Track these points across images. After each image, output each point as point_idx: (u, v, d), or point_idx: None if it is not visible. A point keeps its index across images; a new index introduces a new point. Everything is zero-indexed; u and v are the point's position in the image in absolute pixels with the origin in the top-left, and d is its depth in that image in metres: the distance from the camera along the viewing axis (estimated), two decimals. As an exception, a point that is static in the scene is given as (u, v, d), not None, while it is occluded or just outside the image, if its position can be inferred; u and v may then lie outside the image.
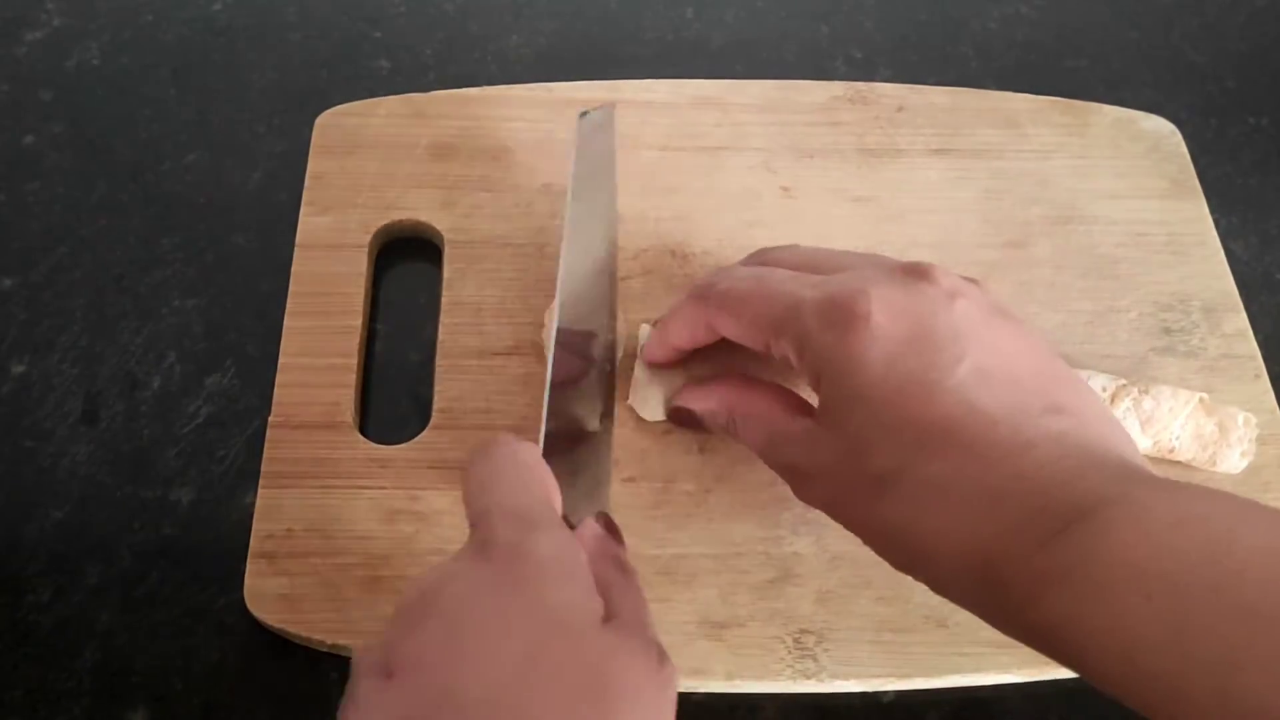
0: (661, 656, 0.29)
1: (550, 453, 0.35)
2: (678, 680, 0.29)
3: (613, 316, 0.43)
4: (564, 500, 0.34)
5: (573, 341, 0.40)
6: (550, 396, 0.37)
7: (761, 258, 0.42)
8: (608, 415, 0.41)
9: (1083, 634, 0.28)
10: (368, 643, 0.29)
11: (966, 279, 0.36)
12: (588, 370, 0.41)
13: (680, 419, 0.42)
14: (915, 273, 0.35)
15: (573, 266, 0.41)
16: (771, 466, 0.38)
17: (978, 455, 0.31)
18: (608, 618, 0.29)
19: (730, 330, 0.39)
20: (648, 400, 0.43)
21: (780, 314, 0.36)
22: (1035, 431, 0.31)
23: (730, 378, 0.41)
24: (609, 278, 0.43)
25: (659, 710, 0.28)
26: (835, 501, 0.35)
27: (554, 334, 0.39)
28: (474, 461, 0.33)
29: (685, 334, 0.41)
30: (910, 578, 0.33)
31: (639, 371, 0.44)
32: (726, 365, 0.42)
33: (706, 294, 0.39)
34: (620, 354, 0.44)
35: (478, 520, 0.31)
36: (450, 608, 0.28)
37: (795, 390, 0.40)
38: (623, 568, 0.32)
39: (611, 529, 0.35)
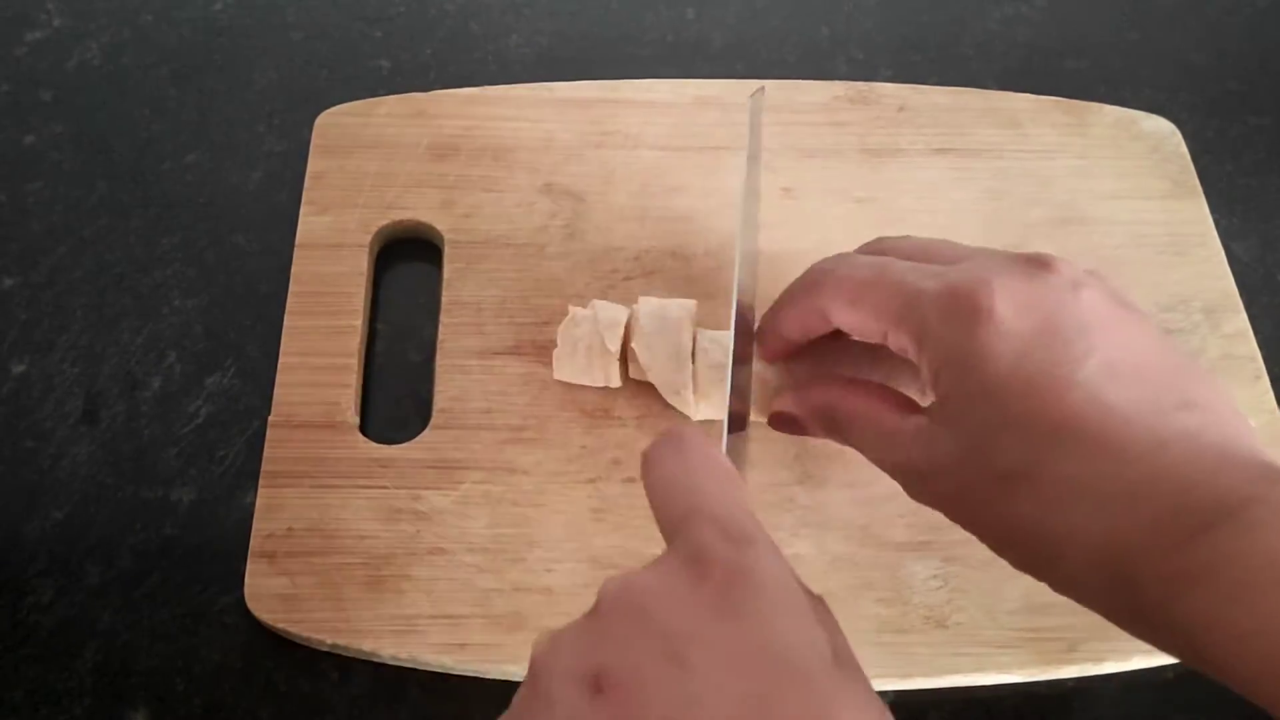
0: (884, 708, 0.26)
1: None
2: None
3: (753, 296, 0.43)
4: None
5: (742, 324, 0.39)
6: (731, 379, 0.37)
7: (878, 247, 0.40)
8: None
9: (1225, 635, 0.28)
10: (548, 641, 0.26)
11: (1087, 270, 0.35)
12: (748, 354, 0.40)
13: (780, 423, 0.41)
14: (1037, 263, 0.34)
15: (746, 248, 0.40)
16: (881, 466, 0.37)
17: (1111, 453, 0.31)
18: (838, 661, 0.26)
19: (846, 319, 0.37)
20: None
21: (900, 305, 0.35)
22: (1168, 429, 0.31)
23: (831, 378, 0.40)
24: (755, 259, 0.43)
25: None
26: (954, 500, 0.34)
27: (733, 316, 0.38)
28: (661, 457, 0.29)
29: (797, 324, 0.39)
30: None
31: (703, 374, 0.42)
32: (820, 368, 0.41)
33: (822, 281, 0.38)
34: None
35: (680, 527, 0.28)
36: (668, 627, 0.25)
37: (900, 390, 0.39)
38: (811, 592, 0.28)
39: None
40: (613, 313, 0.43)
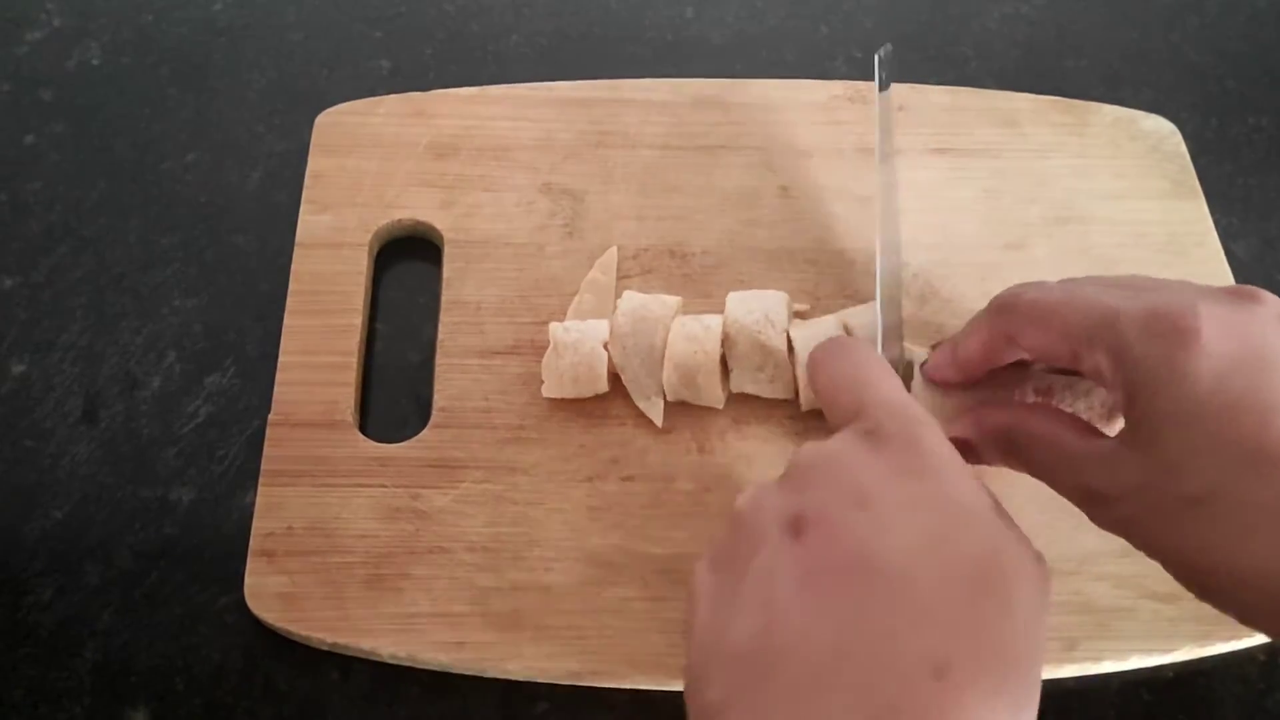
0: (1039, 554, 0.29)
1: None
2: (1049, 581, 0.29)
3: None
4: None
5: (888, 329, 0.42)
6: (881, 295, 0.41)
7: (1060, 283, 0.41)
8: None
9: None
10: (750, 494, 0.31)
11: None
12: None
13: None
14: (1242, 294, 0.34)
15: (886, 239, 0.44)
16: (1061, 490, 0.37)
17: None
18: (999, 511, 0.30)
19: (1036, 340, 0.37)
20: None
21: (1095, 324, 0.35)
22: None
23: (1006, 403, 0.40)
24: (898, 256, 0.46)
25: (1043, 603, 0.29)
26: (1138, 524, 0.34)
27: (879, 321, 0.41)
28: (830, 358, 0.35)
29: (981, 349, 0.39)
30: None
31: None
32: (991, 394, 0.41)
33: (1012, 305, 0.38)
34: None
35: (856, 412, 0.32)
36: (856, 480, 0.30)
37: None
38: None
39: None
40: (594, 339, 0.43)
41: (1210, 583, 0.33)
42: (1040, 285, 0.38)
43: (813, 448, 0.31)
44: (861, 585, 0.28)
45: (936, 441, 0.31)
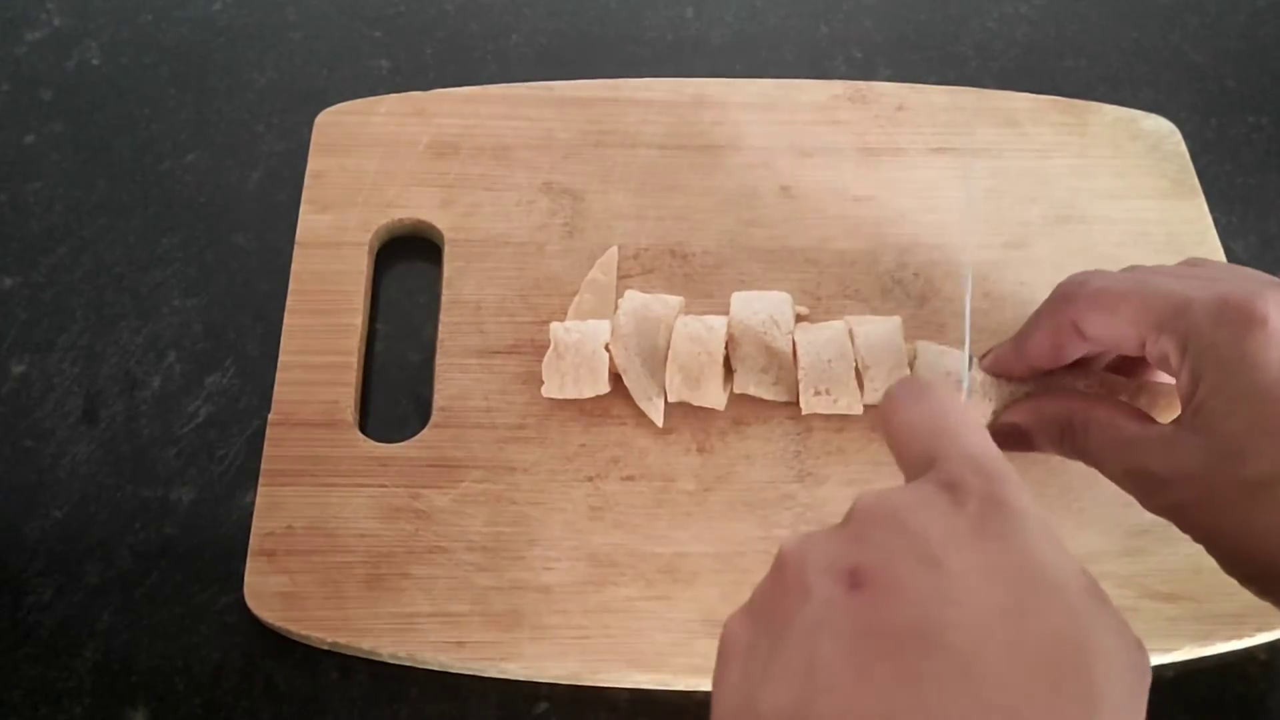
0: (1139, 641, 0.26)
1: None
2: (1150, 676, 0.26)
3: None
4: None
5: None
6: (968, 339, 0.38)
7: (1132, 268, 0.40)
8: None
9: None
10: (799, 540, 0.27)
11: None
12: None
13: (1003, 437, 0.40)
14: None
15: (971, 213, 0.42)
16: (1113, 476, 0.37)
17: None
18: (1091, 589, 0.26)
19: (1102, 327, 0.37)
20: None
21: (1164, 311, 0.35)
22: None
23: (1060, 391, 0.40)
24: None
25: (1137, 696, 0.25)
26: (1192, 509, 0.34)
27: (967, 282, 0.40)
28: (906, 402, 0.30)
29: (1048, 340, 0.39)
30: None
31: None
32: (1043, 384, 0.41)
33: (1077, 293, 0.38)
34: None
35: (931, 463, 0.28)
36: (927, 535, 0.26)
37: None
38: None
39: None
40: (595, 340, 0.43)
41: (1262, 570, 0.33)
42: (1105, 273, 0.39)
43: (878, 495, 0.28)
44: (920, 657, 0.24)
45: (1025, 503, 0.27)
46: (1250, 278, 0.36)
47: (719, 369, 0.42)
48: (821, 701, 0.24)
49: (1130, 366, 0.41)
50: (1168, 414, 0.41)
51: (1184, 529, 0.35)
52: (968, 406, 0.31)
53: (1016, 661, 0.24)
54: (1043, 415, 0.40)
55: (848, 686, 0.24)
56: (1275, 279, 0.36)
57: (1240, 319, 0.33)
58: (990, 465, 0.28)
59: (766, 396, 0.44)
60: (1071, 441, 0.39)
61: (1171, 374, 0.36)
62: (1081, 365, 0.41)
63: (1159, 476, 0.35)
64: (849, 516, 0.28)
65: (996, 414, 0.41)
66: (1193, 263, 0.40)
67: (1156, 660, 0.40)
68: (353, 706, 0.39)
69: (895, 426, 0.30)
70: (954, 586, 0.25)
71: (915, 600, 0.25)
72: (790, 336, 0.43)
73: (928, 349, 0.43)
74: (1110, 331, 0.37)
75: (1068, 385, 0.40)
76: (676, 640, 0.39)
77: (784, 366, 0.43)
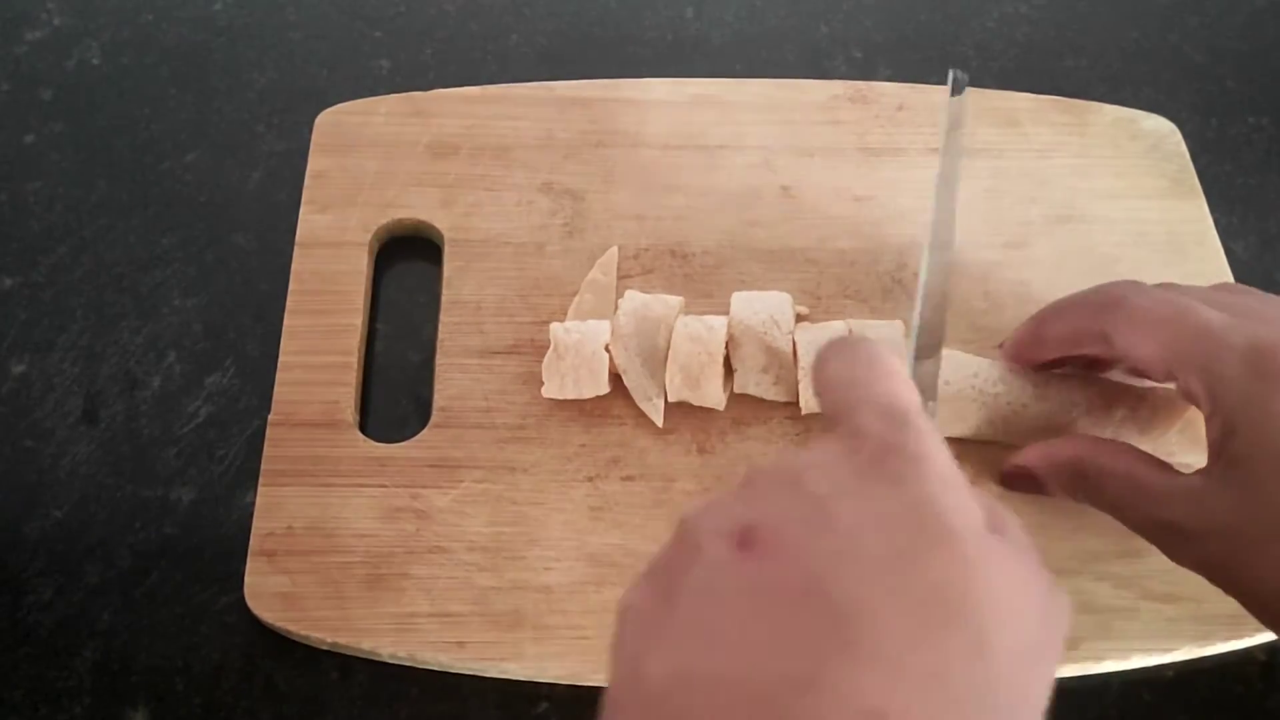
0: (1053, 583, 0.25)
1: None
2: (1070, 618, 0.26)
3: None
4: None
5: (933, 283, 0.40)
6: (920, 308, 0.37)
7: (1172, 287, 0.40)
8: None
9: None
10: (698, 504, 0.26)
11: None
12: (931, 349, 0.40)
13: (1014, 479, 0.40)
14: None
15: (943, 208, 0.41)
16: (1134, 526, 0.36)
17: None
18: (992, 529, 0.25)
19: (1132, 345, 0.37)
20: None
21: (1199, 351, 0.35)
22: None
23: (1075, 435, 0.39)
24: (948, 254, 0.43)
25: (1045, 642, 0.25)
26: (1222, 562, 0.34)
27: (924, 260, 0.40)
28: (832, 355, 0.30)
29: (1070, 335, 0.39)
30: None
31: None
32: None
33: (1116, 305, 0.37)
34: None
35: (844, 412, 0.28)
36: (816, 491, 0.25)
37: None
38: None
39: None
40: (595, 339, 0.43)
41: None
42: (1148, 293, 0.38)
43: (778, 454, 0.28)
44: (802, 613, 0.23)
45: (924, 444, 0.26)
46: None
47: (719, 369, 0.42)
48: (704, 662, 0.23)
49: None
50: (1168, 425, 0.41)
51: (1214, 581, 0.34)
52: (892, 360, 0.29)
53: (900, 609, 0.23)
54: (1056, 460, 0.39)
55: (730, 646, 0.23)
56: None
57: (1272, 373, 0.33)
58: (893, 409, 0.27)
59: (766, 396, 0.44)
60: (1085, 489, 0.38)
61: (1202, 411, 0.35)
62: (1082, 366, 0.41)
63: (1185, 530, 0.34)
64: (748, 475, 0.27)
65: (1010, 405, 0.41)
66: (1232, 289, 0.39)
67: (1157, 660, 0.40)
68: (353, 706, 0.39)
69: (819, 383, 0.30)
70: (842, 541, 0.24)
71: (801, 558, 0.24)
72: (790, 336, 0.43)
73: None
74: (1139, 353, 0.37)
75: (1066, 397, 0.40)
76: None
77: (784, 366, 0.43)
